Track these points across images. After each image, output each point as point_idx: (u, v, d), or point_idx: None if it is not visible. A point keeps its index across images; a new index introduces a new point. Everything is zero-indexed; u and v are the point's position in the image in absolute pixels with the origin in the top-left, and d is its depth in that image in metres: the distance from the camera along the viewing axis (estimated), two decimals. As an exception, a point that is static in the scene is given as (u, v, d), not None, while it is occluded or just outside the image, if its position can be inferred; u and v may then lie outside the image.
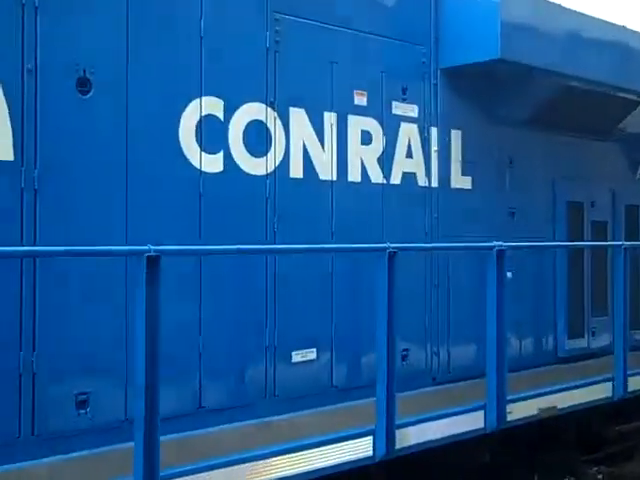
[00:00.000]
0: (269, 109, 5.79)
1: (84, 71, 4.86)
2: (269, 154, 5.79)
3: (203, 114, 5.42)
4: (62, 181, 4.78)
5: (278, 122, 5.84)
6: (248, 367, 5.69)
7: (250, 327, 5.68)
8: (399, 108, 6.70)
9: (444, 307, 7.05)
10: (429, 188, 6.96)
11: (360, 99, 6.39)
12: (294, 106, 5.94)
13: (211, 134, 5.46)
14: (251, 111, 5.69)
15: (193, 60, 5.38)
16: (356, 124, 6.37)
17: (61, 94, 4.77)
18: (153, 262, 4.14)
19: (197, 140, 5.38)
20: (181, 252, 4.50)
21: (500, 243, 6.09)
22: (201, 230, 5.41)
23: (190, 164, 5.35)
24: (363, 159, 6.42)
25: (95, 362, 4.84)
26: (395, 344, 5.37)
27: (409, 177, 6.78)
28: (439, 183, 7.04)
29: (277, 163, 5.84)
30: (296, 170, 5.96)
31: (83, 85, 4.86)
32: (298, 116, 5.97)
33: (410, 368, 6.75)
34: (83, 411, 4.84)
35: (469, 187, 7.31)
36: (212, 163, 5.47)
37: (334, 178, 6.22)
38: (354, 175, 6.36)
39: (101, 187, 4.94)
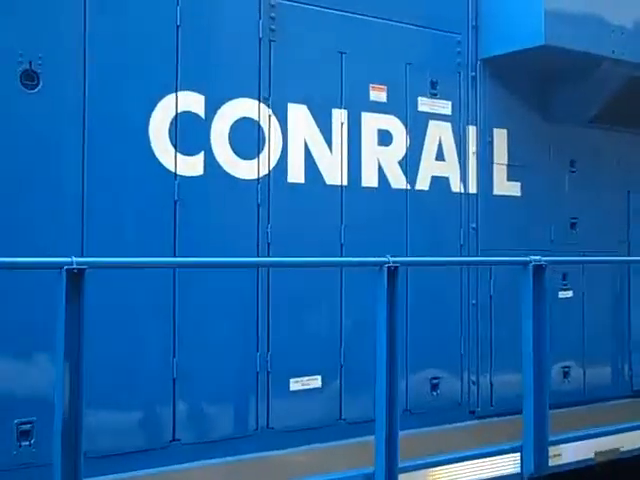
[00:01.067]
0: (262, 105, 5.15)
1: (30, 63, 4.35)
2: (261, 156, 5.15)
3: (179, 111, 4.83)
4: (3, 186, 4.28)
5: (273, 120, 5.20)
6: (235, 395, 5.04)
7: (237, 349, 5.04)
8: (427, 105, 5.93)
9: (485, 330, 6.19)
10: (465, 195, 6.13)
11: (378, 94, 5.66)
12: (294, 102, 5.28)
13: (189, 133, 4.86)
14: (240, 108, 5.07)
15: (167, 51, 4.81)
16: (372, 122, 5.64)
17: (2, 88, 4.28)
18: (75, 276, 3.56)
19: (171, 140, 4.79)
20: (109, 265, 3.89)
21: (538, 257, 5.19)
22: (176, 241, 4.81)
23: (162, 166, 4.77)
24: (381, 162, 5.68)
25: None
26: (397, 373, 4.58)
27: (440, 182, 5.99)
28: (478, 189, 6.20)
29: (272, 166, 5.19)
30: (295, 174, 5.29)
31: (29, 79, 4.35)
32: (299, 113, 5.30)
33: (442, 399, 5.94)
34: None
35: (517, 194, 6.43)
36: (190, 165, 4.87)
37: (344, 183, 5.50)
38: (369, 180, 5.63)
39: (51, 193, 4.42)
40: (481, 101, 6.22)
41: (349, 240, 5.48)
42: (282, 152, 5.23)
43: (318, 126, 5.38)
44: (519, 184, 6.44)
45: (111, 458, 4.44)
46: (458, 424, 5.97)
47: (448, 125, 6.04)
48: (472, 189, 6.17)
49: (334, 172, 5.46)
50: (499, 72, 6.28)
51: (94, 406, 3.88)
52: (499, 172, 6.32)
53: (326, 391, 5.39)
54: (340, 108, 5.48)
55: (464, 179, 6.12)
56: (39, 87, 4.39)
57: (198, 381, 4.86)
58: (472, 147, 6.17)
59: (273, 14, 5.21)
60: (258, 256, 5.10)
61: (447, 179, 6.03)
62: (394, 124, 5.74)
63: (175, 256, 4.80)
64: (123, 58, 4.66)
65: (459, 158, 6.09)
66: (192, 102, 4.88)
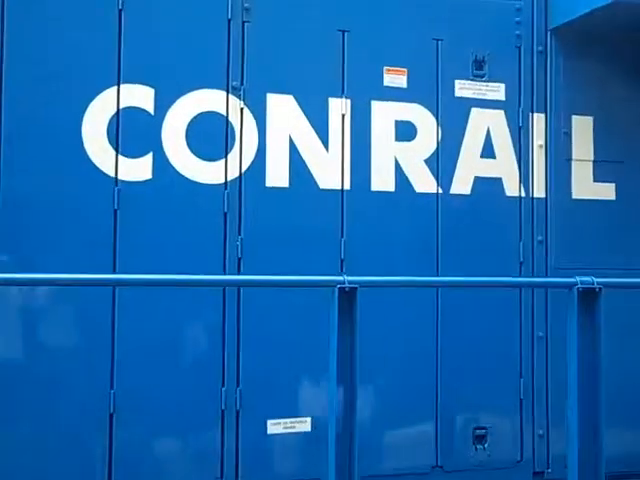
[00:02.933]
0: (231, 97, 4.40)
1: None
2: (230, 156, 4.39)
3: (121, 107, 4.22)
4: None
5: (247, 113, 4.42)
6: (192, 437, 4.30)
7: (197, 382, 4.30)
8: (468, 89, 4.82)
9: (556, 370, 4.90)
10: (527, 199, 4.91)
11: (395, 79, 4.67)
12: (276, 92, 4.47)
13: (133, 132, 4.24)
14: (201, 101, 4.36)
15: (106, 39, 4.22)
16: (387, 112, 4.66)
17: None
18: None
19: (110, 140, 4.20)
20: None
21: (589, 278, 3.93)
22: (116, 256, 4.19)
23: (98, 170, 4.18)
24: (400, 160, 4.67)
25: None
26: (355, 418, 3.60)
27: (487, 184, 4.83)
28: (549, 192, 4.94)
29: (244, 168, 4.41)
30: (277, 177, 4.46)
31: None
32: (281, 104, 4.48)
33: (493, 455, 4.76)
34: None
35: (609, 197, 5.07)
36: (135, 169, 4.24)
37: (346, 187, 4.57)
38: (383, 182, 4.64)
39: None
40: (553, 82, 4.97)
41: (353, 256, 4.54)
42: (258, 151, 4.44)
43: (309, 119, 4.51)
44: (613, 185, 5.07)
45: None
46: (518, 487, 4.76)
47: (500, 113, 4.87)
48: (538, 192, 4.93)
49: (331, 173, 4.55)
50: (578, 45, 5.00)
51: None
52: (581, 171, 5.01)
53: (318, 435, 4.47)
54: (340, 97, 4.57)
55: (526, 180, 4.90)
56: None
57: (145, 416, 4.18)
58: (539, 140, 4.93)
59: (247, -10, 4.45)
60: (225, 273, 4.33)
61: (499, 180, 4.85)
62: (419, 114, 4.71)
63: (114, 272, 4.17)
64: (49, 48, 4.14)
65: (517, 154, 4.88)
66: (138, 96, 4.26)
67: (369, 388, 4.57)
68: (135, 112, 4.25)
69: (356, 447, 3.39)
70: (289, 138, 4.48)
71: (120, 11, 4.25)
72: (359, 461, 4.18)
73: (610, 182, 5.06)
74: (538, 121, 4.94)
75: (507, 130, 4.88)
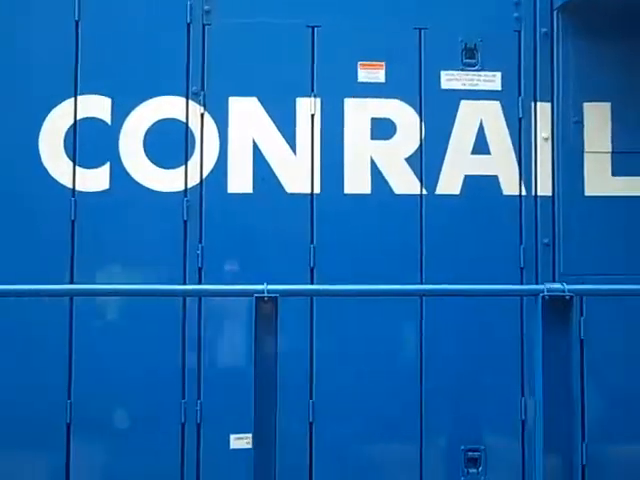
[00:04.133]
0: (191, 103, 4.30)
1: None
2: (190, 163, 4.29)
3: (78, 118, 4.25)
4: None
5: (207, 119, 4.31)
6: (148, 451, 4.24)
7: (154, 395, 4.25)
8: (457, 80, 4.43)
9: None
10: (530, 198, 4.44)
11: (371, 74, 4.38)
12: (238, 95, 4.32)
13: (90, 142, 4.25)
14: (159, 108, 4.29)
15: (63, 51, 4.26)
16: (362, 110, 4.37)
17: None
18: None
19: (67, 151, 4.23)
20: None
21: (559, 285, 3.49)
22: (74, 267, 4.22)
23: (55, 181, 4.23)
24: (376, 160, 4.37)
25: None
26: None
27: (481, 183, 4.42)
28: (556, 190, 4.45)
29: (204, 174, 4.30)
30: (240, 183, 4.31)
31: None
32: (245, 108, 4.32)
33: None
34: None
35: (634, 192, 4.48)
36: (92, 179, 4.25)
37: (316, 190, 4.34)
38: (357, 184, 4.36)
39: None
40: (560, 67, 4.46)
41: (324, 264, 4.30)
42: (220, 157, 4.31)
43: (274, 121, 4.32)
44: (638, 179, 4.48)
45: None
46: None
47: (495, 105, 4.44)
48: (544, 190, 4.45)
49: (299, 177, 4.33)
50: (590, 23, 4.46)
51: None
52: (596, 164, 4.46)
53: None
54: (309, 96, 4.35)
55: (527, 177, 4.43)
56: None
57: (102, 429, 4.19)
58: (543, 131, 4.45)
59: (208, -8, 4.33)
60: (185, 283, 4.25)
61: (494, 178, 4.42)
62: (398, 110, 4.39)
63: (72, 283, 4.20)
64: (7, 61, 4.24)
65: (517, 149, 4.43)
66: (95, 106, 4.26)
67: (347, 403, 4.32)
68: (92, 122, 4.26)
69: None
70: (253, 142, 4.32)
71: (77, 22, 4.27)
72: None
73: (635, 176, 4.47)
74: (542, 111, 4.46)
75: (504, 123, 4.43)
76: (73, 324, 4.20)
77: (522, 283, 4.40)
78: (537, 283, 4.41)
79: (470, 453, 4.35)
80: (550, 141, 4.45)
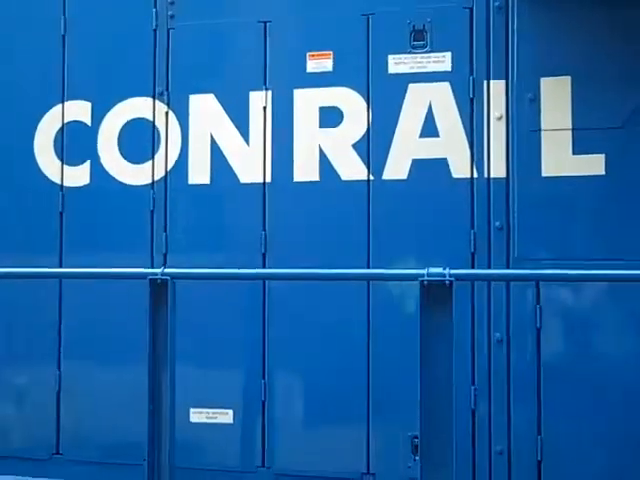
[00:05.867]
0: (157, 102, 4.67)
1: None
2: (156, 158, 4.66)
3: (65, 121, 4.79)
4: None
5: (171, 116, 4.65)
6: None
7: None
8: (405, 63, 4.37)
9: (525, 382, 4.21)
10: (482, 180, 4.28)
11: (319, 64, 4.47)
12: (197, 93, 4.62)
13: (74, 143, 4.77)
14: (130, 109, 4.71)
15: (53, 63, 4.81)
16: (310, 100, 4.48)
17: None
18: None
19: (56, 152, 4.79)
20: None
21: (440, 269, 3.47)
22: (62, 253, 4.77)
23: (47, 179, 4.80)
24: (324, 148, 4.45)
25: None
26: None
27: (429, 166, 4.33)
28: (510, 171, 4.25)
29: (168, 168, 4.65)
30: (199, 174, 4.60)
31: None
32: (203, 104, 4.61)
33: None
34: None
35: (598, 172, 4.15)
36: (75, 176, 4.77)
37: (267, 179, 4.52)
38: (306, 172, 4.47)
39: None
40: (515, 42, 4.25)
41: (274, 249, 4.48)
42: (182, 151, 4.63)
43: (229, 115, 4.56)
44: (601, 157, 4.14)
45: None
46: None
47: (445, 86, 4.32)
48: (497, 172, 4.27)
49: (252, 167, 4.54)
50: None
51: None
52: (555, 142, 4.18)
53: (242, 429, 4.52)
54: (261, 90, 4.53)
55: (479, 159, 4.28)
56: None
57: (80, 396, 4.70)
58: (496, 110, 4.27)
59: (172, -1, 4.67)
60: (152, 267, 4.63)
61: (442, 161, 4.32)
62: (346, 98, 4.43)
63: (61, 267, 4.75)
64: (7, 77, 4.87)
65: (468, 130, 4.29)
66: (78, 111, 4.77)
67: (298, 384, 4.47)
68: (75, 125, 4.77)
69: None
70: (210, 136, 4.59)
71: (63, 36, 4.80)
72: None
73: (598, 153, 4.14)
74: (496, 89, 4.28)
75: (454, 104, 4.31)
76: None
77: (473, 268, 4.26)
78: (489, 268, 4.26)
79: (417, 440, 4.29)
80: (504, 120, 4.25)
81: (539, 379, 4.17)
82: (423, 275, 3.33)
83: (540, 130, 4.20)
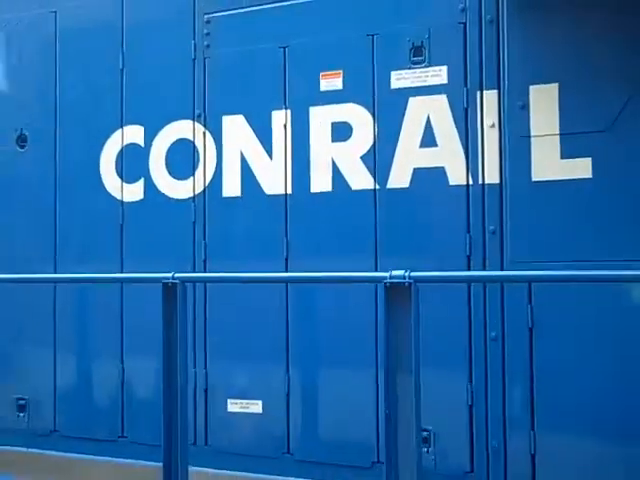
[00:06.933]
0: (196, 124, 5.21)
1: (21, 129, 5.78)
2: (196, 173, 5.21)
3: (124, 144, 5.44)
4: (6, 223, 5.83)
5: (208, 136, 5.18)
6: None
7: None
8: (406, 78, 4.66)
9: (517, 376, 4.40)
10: (477, 187, 4.50)
11: (331, 82, 4.84)
12: (229, 114, 5.12)
13: (131, 163, 5.41)
14: (174, 131, 5.27)
15: (114, 95, 5.47)
16: (324, 117, 4.86)
17: (4, 152, 5.83)
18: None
19: (117, 171, 5.45)
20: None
21: (401, 272, 3.82)
22: (123, 261, 5.43)
23: (111, 196, 5.47)
24: (336, 160, 4.82)
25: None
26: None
27: (428, 175, 4.60)
28: (503, 177, 4.45)
29: (207, 183, 5.18)
30: (231, 188, 5.10)
31: (22, 140, 5.79)
32: (233, 124, 5.10)
33: (439, 462, 4.57)
34: (21, 415, 5.74)
35: (585, 175, 4.27)
36: (132, 192, 5.41)
37: (288, 191, 4.95)
38: (321, 184, 4.86)
39: (35, 225, 5.73)
40: (506, 52, 4.44)
41: (296, 255, 4.91)
42: (217, 167, 5.14)
43: (255, 133, 5.03)
44: (588, 160, 4.26)
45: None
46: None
47: (442, 98, 4.57)
48: (491, 178, 4.47)
49: (275, 181, 4.98)
50: (534, 6, 4.36)
51: None
52: (544, 148, 4.34)
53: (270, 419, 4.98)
54: (282, 109, 4.97)
55: (474, 166, 4.50)
56: (26, 147, 5.77)
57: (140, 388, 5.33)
58: (489, 119, 4.48)
59: (207, 30, 5.19)
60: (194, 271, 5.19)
61: (440, 170, 4.57)
62: (354, 113, 4.77)
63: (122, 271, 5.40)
64: (80, 111, 5.57)
65: (463, 139, 4.52)
66: (134, 134, 5.40)
67: (317, 378, 4.87)
68: (132, 147, 5.39)
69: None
70: (240, 152, 5.07)
71: (122, 70, 5.45)
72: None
73: (585, 157, 4.26)
74: (489, 99, 4.48)
75: (450, 115, 4.55)
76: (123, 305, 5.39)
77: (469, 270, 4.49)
78: (484, 269, 4.47)
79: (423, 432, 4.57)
80: (497, 128, 4.45)
81: (532, 376, 4.33)
82: (386, 278, 3.65)
83: (530, 136, 4.36)
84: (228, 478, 4.97)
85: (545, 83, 4.33)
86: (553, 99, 4.31)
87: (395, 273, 3.68)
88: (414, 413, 3.68)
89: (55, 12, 5.69)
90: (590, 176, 4.23)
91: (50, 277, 5.13)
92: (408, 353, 3.71)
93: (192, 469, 4.78)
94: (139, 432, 5.29)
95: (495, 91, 4.45)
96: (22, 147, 5.77)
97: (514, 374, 4.38)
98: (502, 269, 4.41)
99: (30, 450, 5.63)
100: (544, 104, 4.32)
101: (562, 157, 4.29)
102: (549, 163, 4.31)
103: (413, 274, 3.64)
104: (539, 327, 4.32)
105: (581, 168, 4.25)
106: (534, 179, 4.35)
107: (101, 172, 5.48)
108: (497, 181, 4.44)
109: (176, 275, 4.16)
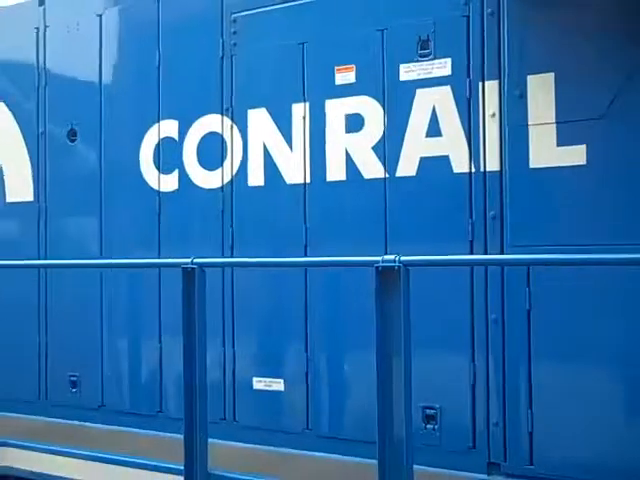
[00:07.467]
0: (225, 118, 5.53)
1: (72, 124, 6.24)
2: (225, 164, 5.53)
3: (161, 137, 5.81)
4: (59, 211, 6.30)
5: (235, 129, 5.49)
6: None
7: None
8: (413, 71, 4.85)
9: (517, 356, 4.56)
10: (479, 174, 4.66)
11: (344, 76, 5.07)
12: (253, 108, 5.42)
13: (167, 155, 5.77)
14: (205, 124, 5.60)
15: (152, 91, 5.84)
16: (338, 109, 5.09)
17: (58, 146, 6.30)
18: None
19: (155, 163, 5.83)
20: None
21: (393, 256, 4.08)
22: (160, 246, 5.81)
23: (149, 186, 5.86)
24: (349, 151, 5.06)
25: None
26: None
27: (434, 163, 4.79)
28: (503, 164, 4.60)
29: (234, 173, 5.50)
30: (255, 178, 5.40)
31: (72, 135, 6.24)
32: (257, 117, 5.39)
33: (444, 437, 4.79)
34: (73, 390, 6.21)
35: (579, 162, 4.39)
36: (168, 182, 5.77)
37: (307, 180, 5.22)
38: (336, 173, 5.10)
39: (84, 213, 6.18)
40: (506, 44, 4.58)
41: (314, 241, 5.18)
42: (243, 158, 5.45)
43: (277, 125, 5.31)
44: (583, 147, 4.38)
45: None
46: (470, 474, 4.66)
47: (446, 89, 4.74)
48: (492, 165, 4.63)
49: (295, 170, 5.25)
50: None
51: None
52: (540, 136, 4.46)
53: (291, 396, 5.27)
54: (300, 102, 5.23)
55: (475, 154, 4.67)
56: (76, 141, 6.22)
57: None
58: (490, 109, 4.63)
59: (234, 29, 5.50)
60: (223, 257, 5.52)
61: (445, 158, 4.75)
62: (366, 105, 5.00)
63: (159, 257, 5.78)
64: (123, 108, 5.99)
65: (466, 128, 4.70)
66: (169, 128, 5.76)
67: (336, 357, 5.13)
68: (168, 140, 5.76)
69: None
70: (263, 144, 5.36)
71: (158, 67, 5.81)
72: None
73: (579, 144, 4.38)
74: (490, 89, 4.63)
75: (453, 105, 4.72)
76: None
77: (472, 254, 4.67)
78: (486, 254, 4.64)
79: (428, 410, 4.79)
80: (498, 117, 4.60)
81: (529, 356, 4.49)
82: (378, 262, 3.89)
83: (527, 125, 4.49)
84: (253, 452, 5.27)
85: (542, 73, 4.45)
86: (549, 88, 4.43)
87: (387, 257, 3.91)
88: (403, 395, 3.89)
89: (100, 15, 6.09)
90: (584, 163, 4.34)
91: (76, 263, 5.54)
92: (398, 335, 3.94)
93: (222, 443, 5.18)
94: (174, 407, 5.65)
95: (496, 81, 4.60)
96: (72, 141, 6.21)
97: (513, 355, 4.53)
98: (502, 253, 4.57)
99: (82, 423, 6.09)
100: (541, 93, 4.45)
101: (558, 145, 4.41)
102: (546, 151, 4.44)
103: (403, 258, 3.87)
104: (537, 309, 4.45)
105: (576, 155, 4.36)
106: (532, 166, 4.48)
107: (140, 164, 5.86)
108: (497, 168, 4.59)
109: (195, 260, 4.49)
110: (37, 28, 6.42)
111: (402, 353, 3.93)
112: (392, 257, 3.92)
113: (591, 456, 4.28)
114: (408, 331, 3.91)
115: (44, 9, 6.42)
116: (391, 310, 3.95)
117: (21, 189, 6.47)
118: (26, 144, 6.45)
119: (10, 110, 6.57)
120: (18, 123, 6.53)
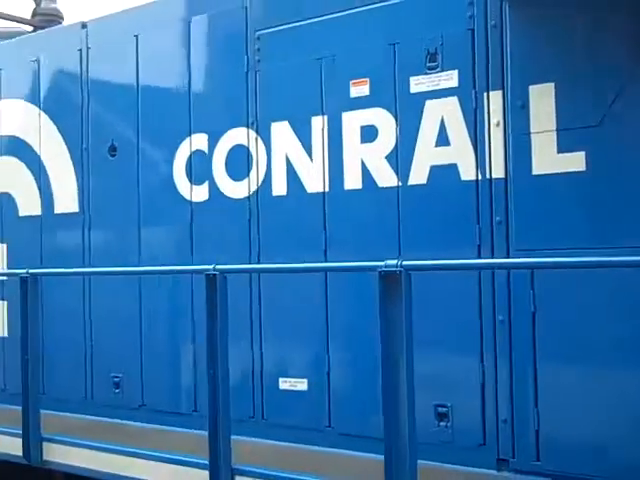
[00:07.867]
0: (250, 131, 5.82)
1: (112, 140, 6.62)
2: (251, 175, 5.82)
3: (192, 150, 6.13)
4: (102, 222, 6.69)
5: (260, 141, 5.77)
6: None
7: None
8: (422, 83, 5.06)
9: (522, 356, 4.73)
10: (485, 181, 4.85)
11: (359, 89, 5.31)
12: (276, 121, 5.70)
13: (198, 167, 6.09)
14: (232, 137, 5.89)
15: (183, 107, 6.17)
16: (353, 121, 5.33)
17: (100, 160, 6.69)
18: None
19: (187, 175, 6.16)
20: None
21: (395, 261, 4.30)
22: (193, 254, 6.13)
23: (182, 197, 6.19)
24: (365, 160, 5.29)
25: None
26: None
27: (443, 171, 4.99)
28: (508, 172, 4.78)
29: (259, 183, 5.78)
30: (278, 187, 5.67)
31: (112, 150, 6.62)
32: (280, 130, 5.66)
33: (456, 434, 4.98)
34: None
35: (579, 168, 4.54)
36: (199, 193, 6.09)
37: (326, 189, 5.47)
38: (352, 182, 5.34)
39: (124, 224, 6.55)
40: (509, 55, 4.76)
41: (333, 247, 5.42)
42: (267, 169, 5.72)
43: (298, 137, 5.57)
44: (582, 154, 4.53)
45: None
46: (480, 470, 4.85)
47: (453, 100, 4.94)
48: (497, 173, 4.81)
49: (315, 180, 5.51)
50: (537, 9, 4.66)
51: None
52: (542, 144, 4.63)
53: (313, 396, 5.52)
54: (319, 115, 5.49)
55: (481, 162, 4.85)
56: (116, 156, 6.59)
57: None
58: (495, 118, 4.82)
59: (258, 46, 5.79)
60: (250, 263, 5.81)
61: (454, 166, 4.95)
62: (380, 117, 5.22)
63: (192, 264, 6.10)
64: (157, 123, 6.33)
65: (471, 137, 4.89)
66: (200, 141, 6.07)
67: (355, 358, 5.37)
68: (199, 153, 6.08)
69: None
70: (285, 155, 5.64)
71: (189, 83, 6.14)
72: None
73: (578, 151, 4.53)
74: (494, 99, 4.81)
75: (461, 115, 4.92)
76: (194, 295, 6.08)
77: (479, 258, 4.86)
78: (492, 257, 4.82)
79: (440, 408, 4.98)
80: (502, 126, 4.78)
81: (535, 356, 4.65)
82: (381, 267, 4.13)
83: (529, 133, 4.66)
84: (278, 449, 5.53)
85: (542, 83, 4.61)
86: (550, 98, 4.59)
87: (390, 262, 4.14)
88: (406, 395, 4.11)
89: (137, 36, 6.44)
90: (584, 169, 4.49)
91: (103, 271, 5.90)
92: (401, 337, 4.15)
93: (249, 440, 5.47)
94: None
95: (500, 92, 4.78)
96: (113, 156, 6.58)
97: (520, 355, 4.70)
98: (508, 257, 4.74)
99: (124, 422, 6.44)
100: (542, 102, 4.61)
101: (558, 152, 4.57)
102: (547, 158, 4.60)
103: (405, 263, 4.09)
104: (541, 311, 4.62)
105: (575, 161, 4.51)
106: (534, 173, 4.65)
107: (174, 176, 6.19)
108: (502, 175, 4.76)
109: (217, 267, 4.79)
110: (80, 50, 6.80)
111: (404, 355, 4.14)
112: (394, 262, 4.14)
113: (596, 452, 4.42)
114: (410, 334, 4.13)
115: (86, 32, 6.80)
116: (394, 313, 4.17)
117: (68, 201, 6.87)
118: (72, 159, 6.85)
119: (57, 127, 6.97)
120: (64, 139, 6.93)
